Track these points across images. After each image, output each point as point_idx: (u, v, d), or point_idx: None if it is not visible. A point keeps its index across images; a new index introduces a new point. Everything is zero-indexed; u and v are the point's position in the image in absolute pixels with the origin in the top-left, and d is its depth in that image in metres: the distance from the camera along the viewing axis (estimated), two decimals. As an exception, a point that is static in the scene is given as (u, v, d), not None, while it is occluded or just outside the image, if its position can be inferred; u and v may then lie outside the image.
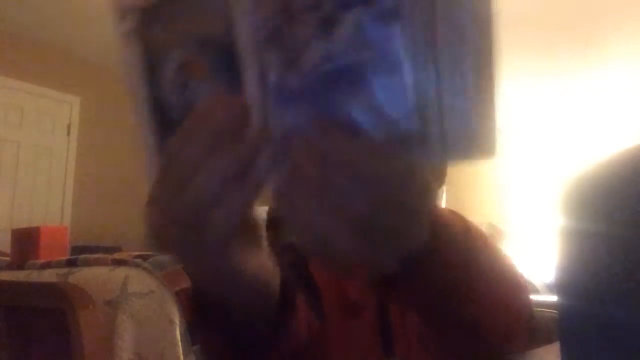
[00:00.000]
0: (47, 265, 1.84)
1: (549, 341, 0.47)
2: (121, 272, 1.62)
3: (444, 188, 0.58)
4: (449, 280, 0.37)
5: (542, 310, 0.82)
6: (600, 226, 0.21)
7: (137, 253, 1.76)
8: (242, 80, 0.31)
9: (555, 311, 0.84)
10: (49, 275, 1.75)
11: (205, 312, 0.41)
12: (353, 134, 0.28)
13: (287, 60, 0.30)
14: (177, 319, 1.53)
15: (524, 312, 0.46)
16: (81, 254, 1.95)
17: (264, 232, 0.39)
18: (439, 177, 0.57)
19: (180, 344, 1.49)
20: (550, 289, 2.40)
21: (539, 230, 2.72)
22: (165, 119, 0.35)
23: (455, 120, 0.29)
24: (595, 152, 2.70)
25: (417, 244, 0.31)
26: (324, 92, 0.30)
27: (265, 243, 0.38)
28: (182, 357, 1.48)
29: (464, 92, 0.29)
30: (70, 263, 1.80)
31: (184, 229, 0.29)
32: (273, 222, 0.52)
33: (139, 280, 1.59)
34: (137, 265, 1.65)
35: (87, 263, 1.78)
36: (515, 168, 3.02)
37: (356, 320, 0.59)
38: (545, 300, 2.19)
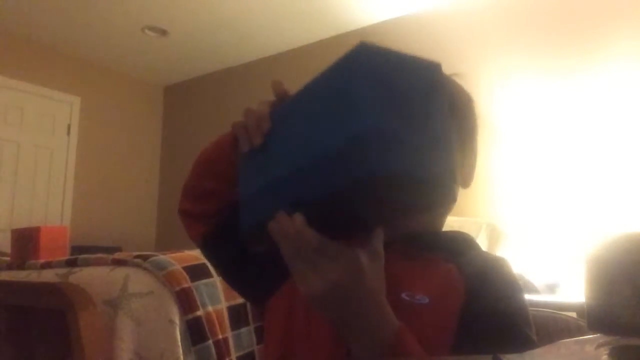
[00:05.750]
0: (47, 265, 1.83)
1: (548, 341, 0.47)
2: (121, 272, 1.62)
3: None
4: None
5: (542, 310, 0.82)
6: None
7: (137, 253, 1.76)
8: None
9: (555, 311, 0.84)
10: (49, 275, 1.75)
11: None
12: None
13: None
14: (177, 319, 1.52)
15: None
16: (81, 254, 1.95)
17: None
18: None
19: (180, 344, 1.49)
20: (550, 288, 2.40)
21: (538, 230, 2.72)
22: None
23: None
24: (595, 153, 2.70)
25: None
26: None
27: None
28: (182, 357, 1.48)
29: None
30: (70, 263, 1.80)
31: None
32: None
33: (139, 280, 1.58)
34: (137, 265, 1.65)
35: (87, 263, 1.77)
36: (515, 168, 3.01)
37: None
38: (545, 300, 2.19)
